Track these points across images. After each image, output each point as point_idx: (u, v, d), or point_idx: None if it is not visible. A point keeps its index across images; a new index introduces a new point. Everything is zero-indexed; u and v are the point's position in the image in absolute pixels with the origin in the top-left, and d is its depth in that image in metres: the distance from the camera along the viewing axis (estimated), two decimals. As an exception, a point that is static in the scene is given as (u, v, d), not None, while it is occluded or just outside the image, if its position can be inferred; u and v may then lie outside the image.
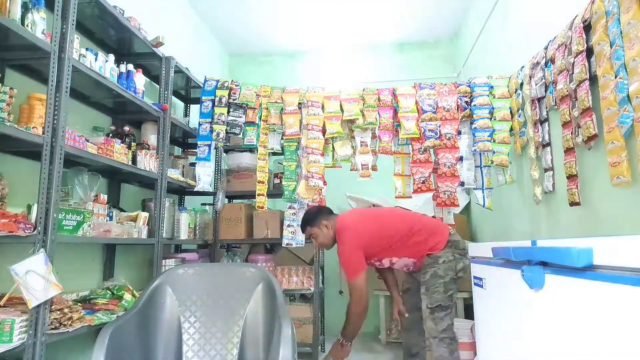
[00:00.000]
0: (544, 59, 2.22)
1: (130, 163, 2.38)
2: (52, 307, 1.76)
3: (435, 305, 2.04)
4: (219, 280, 1.99)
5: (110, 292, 2.25)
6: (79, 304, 2.00)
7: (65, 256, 2.11)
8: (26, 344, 1.61)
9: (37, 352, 1.63)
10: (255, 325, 1.86)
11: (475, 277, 1.56)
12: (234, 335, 1.86)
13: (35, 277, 1.62)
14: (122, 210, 2.55)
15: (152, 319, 1.82)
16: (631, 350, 0.70)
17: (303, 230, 2.35)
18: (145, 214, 2.51)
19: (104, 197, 2.25)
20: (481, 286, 1.48)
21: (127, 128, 2.55)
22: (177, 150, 3.49)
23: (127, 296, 2.24)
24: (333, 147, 2.97)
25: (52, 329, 1.73)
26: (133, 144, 2.53)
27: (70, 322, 1.80)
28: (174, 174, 2.88)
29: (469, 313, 3.25)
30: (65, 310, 1.82)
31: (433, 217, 2.93)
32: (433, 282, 2.07)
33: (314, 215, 2.29)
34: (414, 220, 2.21)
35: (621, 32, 1.54)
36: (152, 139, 2.74)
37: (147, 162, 2.53)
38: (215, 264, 3.07)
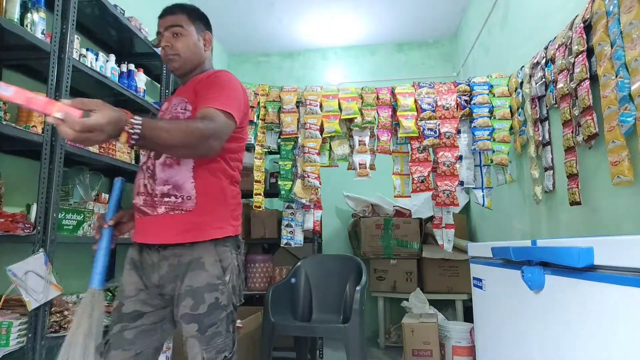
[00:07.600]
0: (544, 58, 2.22)
1: (132, 162, 2.38)
2: (52, 309, 1.74)
3: None
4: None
5: (110, 294, 2.24)
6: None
7: (64, 256, 2.10)
8: (26, 348, 1.59)
9: (37, 356, 1.61)
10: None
11: (474, 278, 1.55)
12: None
13: (35, 278, 1.61)
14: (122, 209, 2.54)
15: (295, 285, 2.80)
16: (633, 352, 0.70)
17: (172, 13, 1.42)
18: (145, 214, 2.49)
19: (105, 196, 2.24)
20: (480, 287, 1.48)
21: (127, 127, 2.54)
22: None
23: (127, 297, 2.22)
24: (330, 147, 2.97)
25: (51, 332, 1.71)
26: (134, 143, 2.52)
27: (70, 326, 1.78)
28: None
29: (468, 316, 3.24)
30: (66, 312, 1.79)
31: (432, 217, 2.92)
32: (211, 317, 1.19)
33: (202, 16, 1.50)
34: None
35: (621, 32, 1.54)
36: (153, 138, 2.73)
37: (148, 162, 2.52)
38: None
